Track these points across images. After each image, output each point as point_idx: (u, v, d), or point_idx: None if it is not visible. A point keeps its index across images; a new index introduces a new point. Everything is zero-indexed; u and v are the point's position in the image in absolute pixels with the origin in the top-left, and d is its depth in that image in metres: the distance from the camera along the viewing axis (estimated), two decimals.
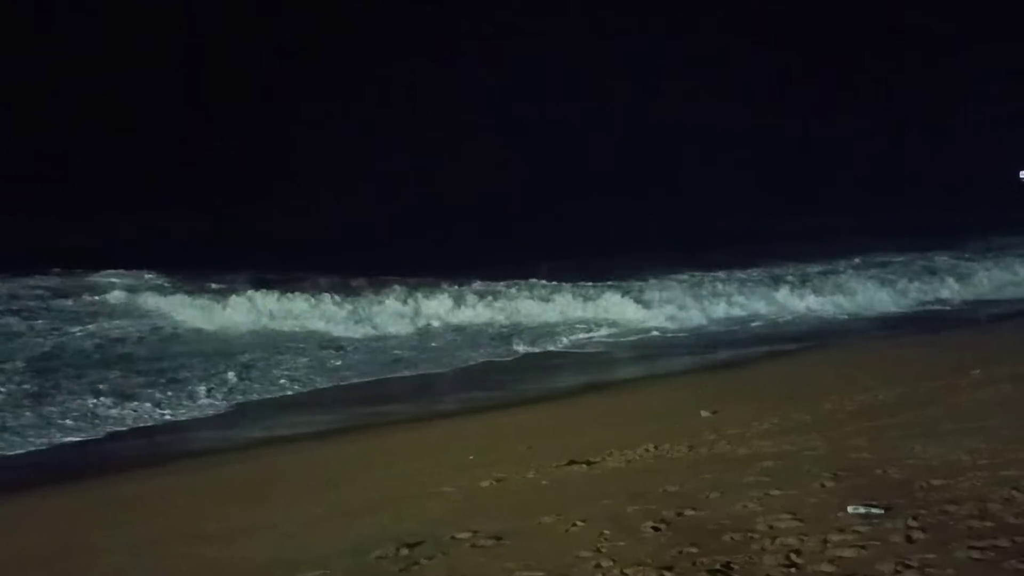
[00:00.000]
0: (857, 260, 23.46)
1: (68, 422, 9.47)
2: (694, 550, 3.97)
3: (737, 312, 17.59)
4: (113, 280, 18.86)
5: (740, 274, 21.42)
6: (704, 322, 16.80)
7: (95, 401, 10.28)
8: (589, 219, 30.19)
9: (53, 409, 9.96)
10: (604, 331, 16.07)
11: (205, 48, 29.87)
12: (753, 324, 16.78)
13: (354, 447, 8.52)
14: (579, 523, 4.58)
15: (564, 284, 19.15)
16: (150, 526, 5.97)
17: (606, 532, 4.35)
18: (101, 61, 29.33)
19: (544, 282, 19.41)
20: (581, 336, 15.69)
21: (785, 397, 8.77)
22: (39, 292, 17.73)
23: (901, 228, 28.34)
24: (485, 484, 5.94)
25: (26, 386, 10.85)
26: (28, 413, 9.75)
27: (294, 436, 9.14)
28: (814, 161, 37.51)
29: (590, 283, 19.50)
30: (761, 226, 29.37)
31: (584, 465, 6.13)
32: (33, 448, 8.63)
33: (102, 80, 29.41)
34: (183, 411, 10.11)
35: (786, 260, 23.37)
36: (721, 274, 21.32)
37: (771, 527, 4.15)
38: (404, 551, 4.49)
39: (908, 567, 3.48)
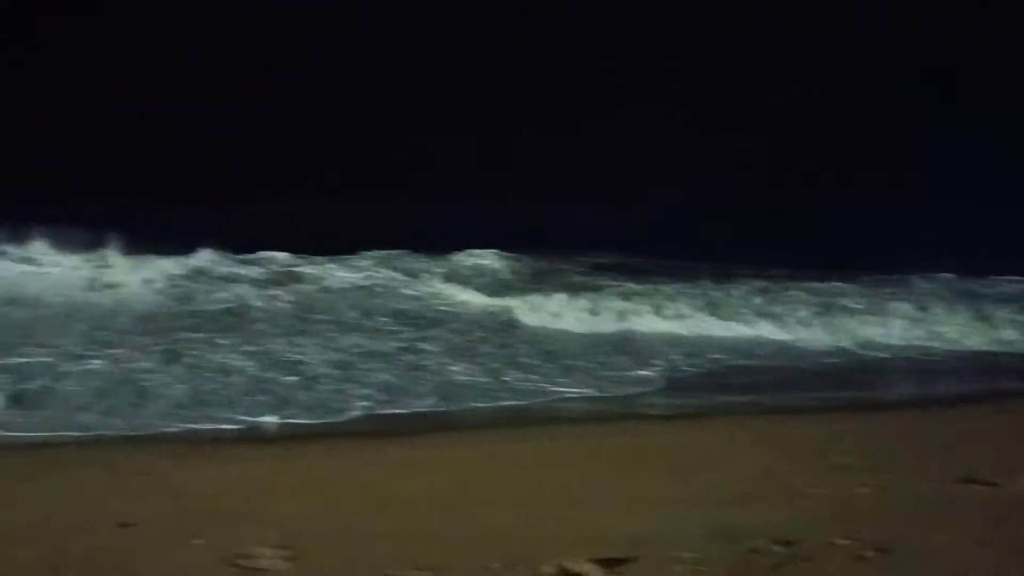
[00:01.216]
0: None
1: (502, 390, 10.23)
2: None
3: None
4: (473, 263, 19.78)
5: None
6: None
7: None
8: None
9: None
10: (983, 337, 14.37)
11: None
12: None
13: (716, 433, 8.51)
14: (977, 547, 4.17)
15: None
16: (530, 485, 6.44)
17: (1013, 562, 3.91)
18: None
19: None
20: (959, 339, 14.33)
21: None
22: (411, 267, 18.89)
23: None
24: (863, 491, 5.61)
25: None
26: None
27: (657, 416, 9.36)
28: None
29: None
30: None
31: (984, 486, 5.54)
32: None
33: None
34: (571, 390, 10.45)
35: None
36: None
37: None
38: (778, 548, 4.40)
39: None
